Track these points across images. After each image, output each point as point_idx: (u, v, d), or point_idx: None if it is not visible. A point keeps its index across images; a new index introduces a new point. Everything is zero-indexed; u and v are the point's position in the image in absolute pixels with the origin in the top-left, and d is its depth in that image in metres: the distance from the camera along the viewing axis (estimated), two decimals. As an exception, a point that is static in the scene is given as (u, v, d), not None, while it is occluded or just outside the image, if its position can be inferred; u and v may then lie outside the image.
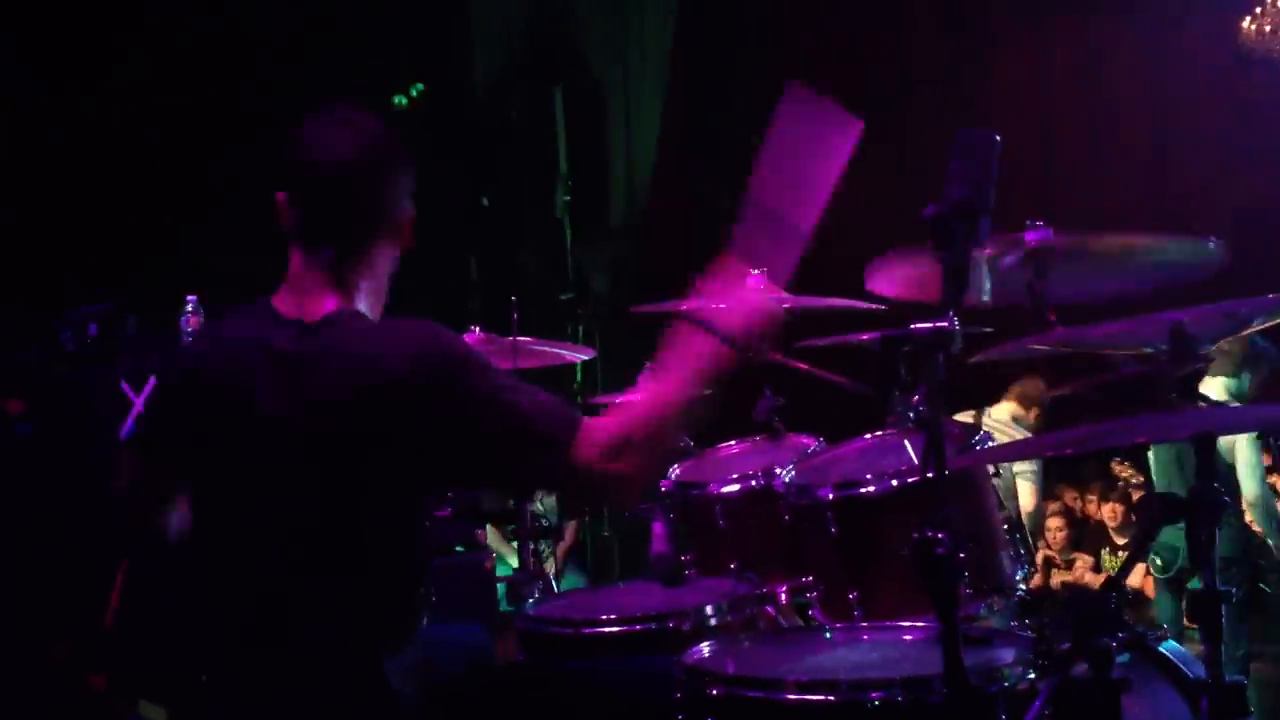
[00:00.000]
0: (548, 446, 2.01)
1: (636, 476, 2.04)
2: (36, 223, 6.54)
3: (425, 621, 2.27)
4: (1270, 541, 5.35)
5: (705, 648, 2.32)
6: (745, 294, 2.17)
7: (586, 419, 2.04)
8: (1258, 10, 6.97)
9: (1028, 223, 2.70)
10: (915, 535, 1.88)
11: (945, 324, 1.95)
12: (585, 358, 4.16)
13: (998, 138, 1.87)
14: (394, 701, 2.05)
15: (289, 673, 2.06)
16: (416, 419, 2.01)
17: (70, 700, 4.22)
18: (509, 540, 5.30)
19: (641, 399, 2.14)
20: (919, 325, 1.98)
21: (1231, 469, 5.10)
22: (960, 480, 2.62)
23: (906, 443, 2.70)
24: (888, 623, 2.48)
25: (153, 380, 4.44)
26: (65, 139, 6.69)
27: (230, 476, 2.11)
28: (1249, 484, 5.08)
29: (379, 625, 2.09)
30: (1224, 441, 4.97)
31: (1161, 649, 2.35)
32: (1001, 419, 5.65)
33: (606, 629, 2.65)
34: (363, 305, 2.19)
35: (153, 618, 4.22)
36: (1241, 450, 5.07)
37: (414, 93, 8.17)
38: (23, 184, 6.50)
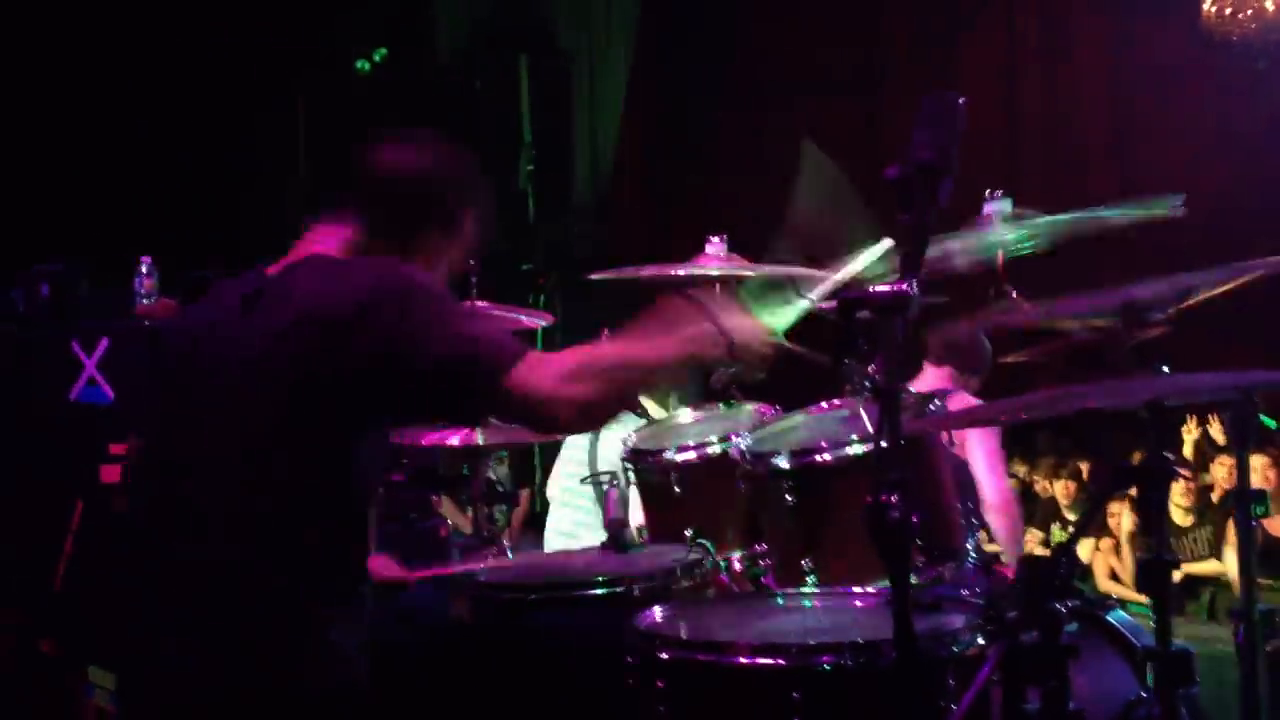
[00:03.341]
0: (487, 368, 2.01)
1: (585, 403, 2.02)
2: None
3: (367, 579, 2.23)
4: (1003, 559, 4.01)
5: (657, 612, 2.32)
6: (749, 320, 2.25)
7: (539, 352, 2.04)
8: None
9: (988, 193, 2.72)
10: (869, 499, 1.88)
11: (904, 288, 1.94)
12: (544, 324, 4.14)
13: (962, 100, 1.86)
14: (331, 648, 2.03)
15: (216, 600, 2.05)
16: (357, 345, 2.01)
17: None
18: (463, 508, 5.27)
19: (618, 345, 2.15)
20: (877, 289, 1.97)
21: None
22: (913, 448, 2.62)
23: (862, 410, 2.70)
24: (839, 589, 2.48)
25: (104, 341, 4.40)
26: (17, 99, 6.58)
27: (179, 413, 2.15)
28: (990, 481, 3.81)
29: (310, 562, 2.06)
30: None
31: (1109, 618, 2.37)
32: None
33: (558, 593, 2.63)
34: None
35: (102, 582, 4.18)
36: (974, 438, 3.91)
37: (377, 57, 8.07)
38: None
